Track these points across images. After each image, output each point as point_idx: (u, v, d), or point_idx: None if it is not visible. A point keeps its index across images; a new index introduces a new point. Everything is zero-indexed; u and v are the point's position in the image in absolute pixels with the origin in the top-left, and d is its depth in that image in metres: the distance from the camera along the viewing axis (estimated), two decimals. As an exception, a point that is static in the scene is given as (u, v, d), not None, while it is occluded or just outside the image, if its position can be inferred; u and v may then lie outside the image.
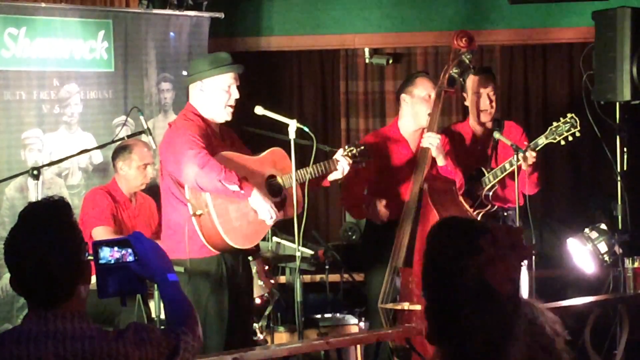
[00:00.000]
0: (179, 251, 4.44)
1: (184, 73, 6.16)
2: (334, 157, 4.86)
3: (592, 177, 7.35)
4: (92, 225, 5.39)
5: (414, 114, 5.35)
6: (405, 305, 5.07)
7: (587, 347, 4.75)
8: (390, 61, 7.47)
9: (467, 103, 5.74)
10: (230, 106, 4.65)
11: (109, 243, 2.60)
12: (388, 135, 5.45)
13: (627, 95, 5.70)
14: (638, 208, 5.92)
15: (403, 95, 5.39)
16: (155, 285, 3.86)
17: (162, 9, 6.33)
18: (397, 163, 5.37)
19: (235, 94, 4.66)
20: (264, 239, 4.92)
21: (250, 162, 4.65)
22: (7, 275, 2.53)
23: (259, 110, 4.74)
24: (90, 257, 2.53)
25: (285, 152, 4.76)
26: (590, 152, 7.14)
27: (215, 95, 4.63)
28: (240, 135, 4.96)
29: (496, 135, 5.46)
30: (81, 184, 5.94)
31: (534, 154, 5.28)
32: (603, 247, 5.59)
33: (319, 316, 5.72)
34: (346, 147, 4.94)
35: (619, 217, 5.79)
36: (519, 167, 5.23)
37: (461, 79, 5.44)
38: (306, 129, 4.64)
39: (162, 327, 4.22)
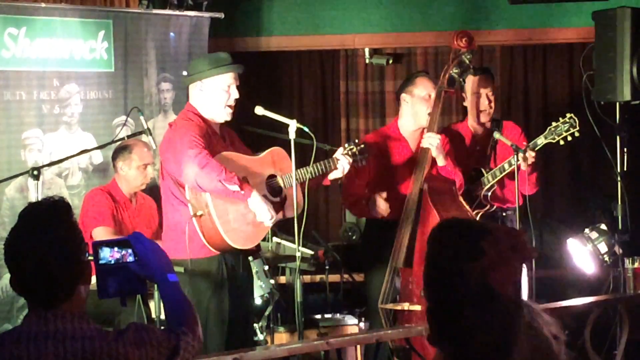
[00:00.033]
0: (179, 251, 4.44)
1: (184, 73, 6.15)
2: (334, 156, 4.86)
3: (592, 177, 7.35)
4: (92, 225, 5.39)
5: (414, 114, 5.35)
6: (405, 306, 5.07)
7: (587, 347, 4.75)
8: (390, 61, 7.47)
9: (466, 103, 5.74)
10: (230, 106, 4.66)
11: (109, 243, 2.60)
12: (388, 134, 5.45)
13: (627, 95, 5.70)
14: (638, 208, 5.92)
15: (403, 95, 5.39)
16: (155, 286, 3.87)
17: (162, 9, 6.33)
18: (397, 162, 5.38)
19: (235, 94, 4.66)
20: (264, 239, 4.92)
21: (250, 162, 4.65)
22: (7, 275, 2.53)
23: (259, 110, 4.74)
24: (91, 258, 2.53)
25: (286, 152, 4.76)
26: (590, 152, 7.14)
27: (215, 95, 4.63)
28: (240, 134, 4.95)
29: (496, 135, 5.46)
30: (81, 184, 5.94)
31: (533, 153, 5.28)
32: (603, 247, 5.59)
33: (319, 316, 5.72)
34: (346, 145, 4.94)
35: (619, 217, 5.79)
36: (518, 167, 5.23)
37: (461, 79, 5.44)
38: (306, 129, 4.64)
39: (162, 327, 4.23)
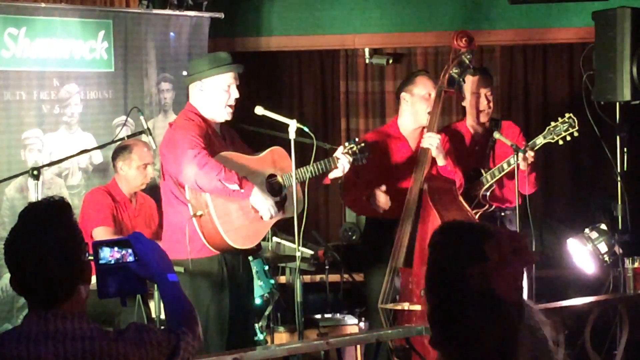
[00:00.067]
0: (179, 251, 4.44)
1: (184, 73, 6.15)
2: (334, 155, 4.86)
3: (592, 177, 7.35)
4: (92, 225, 5.39)
5: (414, 113, 5.35)
6: (405, 306, 5.07)
7: (587, 347, 4.75)
8: (390, 61, 7.47)
9: (464, 104, 5.74)
10: (230, 106, 4.66)
11: (109, 243, 2.60)
12: (388, 133, 5.45)
13: (627, 95, 5.70)
14: (638, 208, 5.92)
15: (403, 94, 5.39)
16: (155, 286, 3.87)
17: (162, 9, 6.33)
18: (397, 161, 5.37)
19: (235, 94, 4.66)
20: (264, 239, 4.92)
21: (250, 162, 4.65)
22: (7, 275, 2.53)
23: (259, 110, 4.74)
24: (91, 258, 2.53)
25: (286, 152, 4.76)
26: (590, 152, 7.14)
27: (215, 95, 4.63)
28: (240, 134, 4.95)
29: (496, 135, 5.46)
30: (81, 184, 5.94)
31: (532, 153, 5.28)
32: (603, 247, 5.59)
33: (319, 316, 5.72)
34: (346, 144, 4.94)
35: (619, 217, 5.79)
36: (518, 167, 5.23)
37: (461, 79, 5.44)
38: (306, 129, 4.64)
39: (162, 327, 4.23)
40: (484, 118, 5.67)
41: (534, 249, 5.54)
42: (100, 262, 2.57)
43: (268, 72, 7.40)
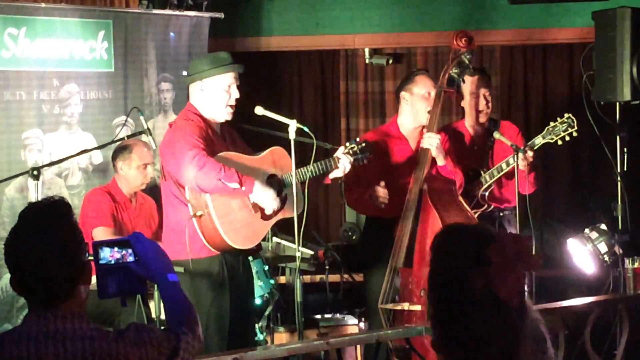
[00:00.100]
0: (179, 252, 4.44)
1: (184, 73, 6.15)
2: (335, 155, 4.85)
3: (592, 177, 7.35)
4: (92, 225, 5.39)
5: (414, 112, 5.35)
6: (405, 306, 5.07)
7: (587, 347, 4.75)
8: (390, 61, 7.48)
9: (463, 104, 5.73)
10: (231, 106, 4.65)
11: (109, 243, 2.60)
12: (388, 133, 5.45)
13: (627, 95, 5.70)
14: (638, 208, 5.92)
15: (403, 93, 5.39)
16: (155, 286, 3.87)
17: (162, 9, 6.33)
18: (397, 161, 5.37)
19: (236, 94, 4.65)
20: (264, 239, 4.91)
21: (250, 162, 4.65)
22: (7, 276, 2.53)
23: (259, 110, 4.74)
24: (91, 258, 2.53)
25: (286, 152, 4.75)
26: (590, 152, 7.15)
27: (216, 95, 4.63)
28: (239, 133, 4.95)
29: (496, 135, 5.46)
30: (81, 184, 5.94)
31: (531, 153, 5.28)
32: (603, 247, 5.59)
33: (319, 316, 5.72)
34: (347, 144, 4.93)
35: (619, 218, 5.79)
36: (517, 167, 5.23)
37: (461, 79, 5.44)
38: (306, 129, 4.63)
39: (162, 327, 4.23)
40: (483, 118, 5.67)
41: (534, 250, 5.54)
42: (101, 262, 2.57)
43: (268, 72, 7.40)
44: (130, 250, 2.58)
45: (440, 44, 7.16)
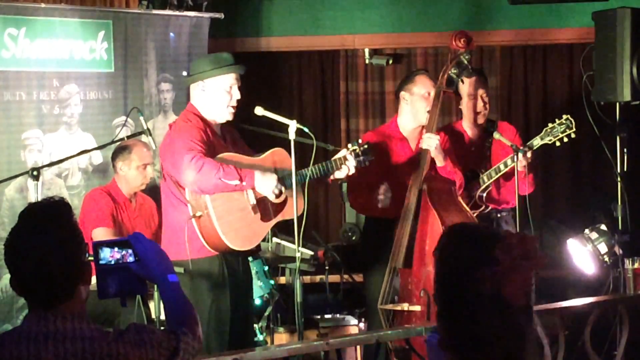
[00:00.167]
0: (179, 252, 4.44)
1: (184, 73, 6.16)
2: (336, 157, 4.84)
3: (592, 177, 7.35)
4: (92, 226, 5.38)
5: (414, 112, 5.35)
6: (405, 306, 5.07)
7: (587, 347, 4.74)
8: (390, 62, 7.48)
9: (461, 106, 5.71)
10: (232, 107, 4.65)
11: (110, 244, 2.60)
12: (388, 133, 5.45)
13: (627, 95, 5.70)
14: (638, 209, 5.92)
15: (402, 93, 5.39)
16: (155, 286, 3.87)
17: (162, 10, 6.33)
18: (397, 161, 5.37)
19: (237, 95, 4.65)
20: (263, 240, 4.91)
21: (250, 163, 4.64)
22: (7, 276, 2.53)
23: (258, 110, 4.73)
24: (91, 258, 2.53)
25: (287, 153, 4.74)
26: (590, 152, 7.15)
27: (217, 95, 4.63)
28: (239, 133, 4.94)
29: (496, 135, 5.46)
30: (81, 185, 5.94)
31: (529, 154, 5.28)
32: (603, 247, 5.58)
33: (318, 317, 5.72)
34: (349, 146, 4.92)
35: (619, 218, 5.78)
36: (517, 167, 5.23)
37: (460, 79, 5.43)
38: (306, 130, 4.63)
39: (162, 327, 4.23)
40: (481, 119, 5.66)
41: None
42: (101, 262, 2.57)
43: (268, 72, 7.40)
44: (130, 251, 2.58)
45: (440, 44, 7.16)
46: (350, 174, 4.85)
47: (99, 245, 2.59)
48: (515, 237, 1.98)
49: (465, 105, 5.66)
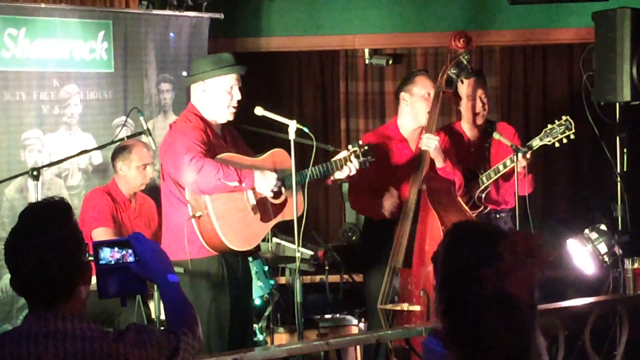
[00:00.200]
0: (179, 252, 4.44)
1: (184, 74, 6.17)
2: (336, 158, 4.84)
3: (592, 177, 7.35)
4: (92, 226, 5.38)
5: (414, 113, 5.35)
6: (404, 306, 5.07)
7: (587, 347, 4.75)
8: (390, 62, 7.47)
9: (460, 107, 5.70)
10: (233, 107, 4.65)
11: (110, 244, 2.60)
12: (388, 134, 5.45)
13: (627, 95, 5.70)
14: (638, 209, 5.92)
15: (402, 94, 5.39)
16: (155, 286, 3.87)
17: (162, 10, 6.33)
18: (398, 162, 5.37)
19: (237, 96, 4.65)
20: (263, 240, 4.91)
21: (250, 163, 4.64)
22: (7, 276, 2.54)
23: (258, 111, 4.73)
24: (91, 258, 2.53)
25: (287, 153, 4.74)
26: (590, 152, 7.15)
27: (218, 96, 4.62)
28: (239, 134, 4.94)
29: (496, 135, 5.46)
30: (81, 185, 5.94)
31: (528, 155, 5.28)
32: (603, 247, 5.58)
33: (318, 317, 5.72)
34: (350, 147, 4.92)
35: (619, 218, 5.79)
36: (514, 169, 5.23)
37: (460, 79, 5.43)
38: (306, 130, 4.63)
39: (162, 327, 4.23)
40: (479, 120, 5.66)
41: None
42: (101, 262, 2.57)
43: (268, 72, 7.40)
44: (130, 251, 2.58)
45: (440, 44, 7.16)
46: (352, 174, 4.85)
47: (99, 245, 2.59)
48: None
49: (464, 106, 5.66)
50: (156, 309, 4.71)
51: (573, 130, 5.30)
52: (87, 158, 5.93)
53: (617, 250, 5.61)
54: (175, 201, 4.57)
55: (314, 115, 7.50)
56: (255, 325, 5.27)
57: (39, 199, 3.91)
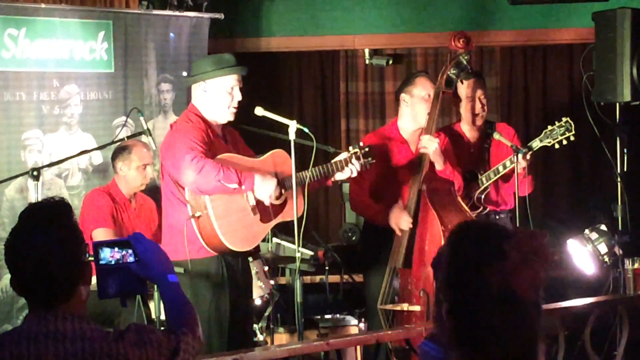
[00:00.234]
0: (179, 252, 4.44)
1: (184, 74, 6.17)
2: (337, 159, 4.84)
3: (592, 177, 7.35)
4: (92, 226, 5.38)
5: (414, 114, 5.35)
6: (404, 306, 5.07)
7: (587, 347, 4.75)
8: (390, 62, 7.48)
9: (460, 108, 5.70)
10: (234, 107, 4.65)
11: (110, 244, 2.60)
12: (388, 135, 5.44)
13: (627, 96, 5.70)
14: (638, 209, 5.92)
15: (402, 95, 5.39)
16: (155, 286, 3.87)
17: (162, 10, 6.33)
18: (398, 164, 5.37)
19: (238, 96, 4.65)
20: (263, 240, 4.91)
21: (250, 164, 4.64)
22: (7, 276, 2.54)
23: (258, 111, 4.73)
24: (91, 258, 2.53)
25: (287, 154, 4.74)
26: (590, 152, 7.15)
27: (218, 96, 4.62)
28: (240, 134, 4.94)
29: (496, 136, 5.46)
30: (81, 185, 5.94)
31: (528, 156, 5.29)
32: (603, 248, 5.58)
33: (318, 317, 5.72)
34: (350, 148, 4.92)
35: (619, 218, 5.78)
36: (514, 169, 5.23)
37: (459, 80, 5.43)
38: (306, 130, 4.63)
39: (162, 327, 4.23)
40: (479, 121, 5.66)
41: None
42: (101, 262, 2.57)
43: (268, 72, 7.40)
44: (130, 251, 2.58)
45: (440, 44, 7.15)
46: (353, 176, 4.85)
47: (99, 245, 2.59)
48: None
49: (463, 107, 5.66)
50: (156, 309, 4.71)
51: (573, 132, 5.30)
52: (87, 158, 5.93)
53: (617, 250, 5.61)
54: (175, 201, 4.57)
55: (314, 115, 7.50)
56: (255, 325, 5.27)
57: (39, 199, 3.91)
